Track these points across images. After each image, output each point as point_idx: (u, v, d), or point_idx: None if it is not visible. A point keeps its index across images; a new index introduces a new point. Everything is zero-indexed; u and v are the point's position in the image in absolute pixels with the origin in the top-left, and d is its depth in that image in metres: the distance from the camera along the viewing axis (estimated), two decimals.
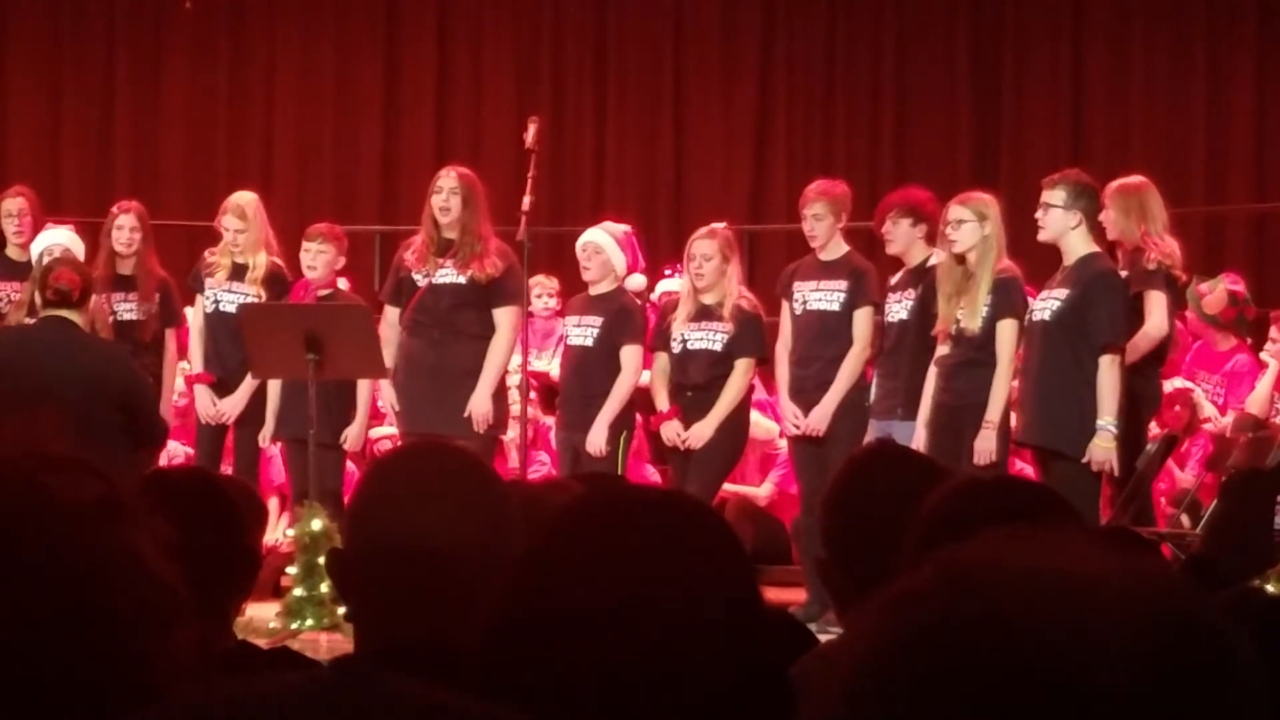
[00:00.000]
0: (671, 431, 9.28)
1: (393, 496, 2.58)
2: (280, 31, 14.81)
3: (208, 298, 9.80)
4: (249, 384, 9.64)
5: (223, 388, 9.73)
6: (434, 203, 9.30)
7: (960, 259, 8.56)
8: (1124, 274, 8.46)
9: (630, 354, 9.36)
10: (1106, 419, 8.05)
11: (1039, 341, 8.27)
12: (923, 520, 2.77)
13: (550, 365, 10.73)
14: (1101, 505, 8.77)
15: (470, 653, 1.87)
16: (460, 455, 2.69)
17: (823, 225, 9.24)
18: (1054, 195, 8.32)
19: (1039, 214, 8.36)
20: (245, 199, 9.91)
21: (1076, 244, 8.28)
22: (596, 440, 9.23)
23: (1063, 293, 8.21)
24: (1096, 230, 8.41)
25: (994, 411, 8.39)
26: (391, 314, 9.48)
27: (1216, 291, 10.38)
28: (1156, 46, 13.97)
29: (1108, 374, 8.09)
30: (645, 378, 9.99)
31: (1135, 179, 8.80)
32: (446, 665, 1.87)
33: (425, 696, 1.01)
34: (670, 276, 10.56)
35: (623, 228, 9.71)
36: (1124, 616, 1.10)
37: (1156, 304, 8.62)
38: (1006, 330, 8.47)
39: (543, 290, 11.20)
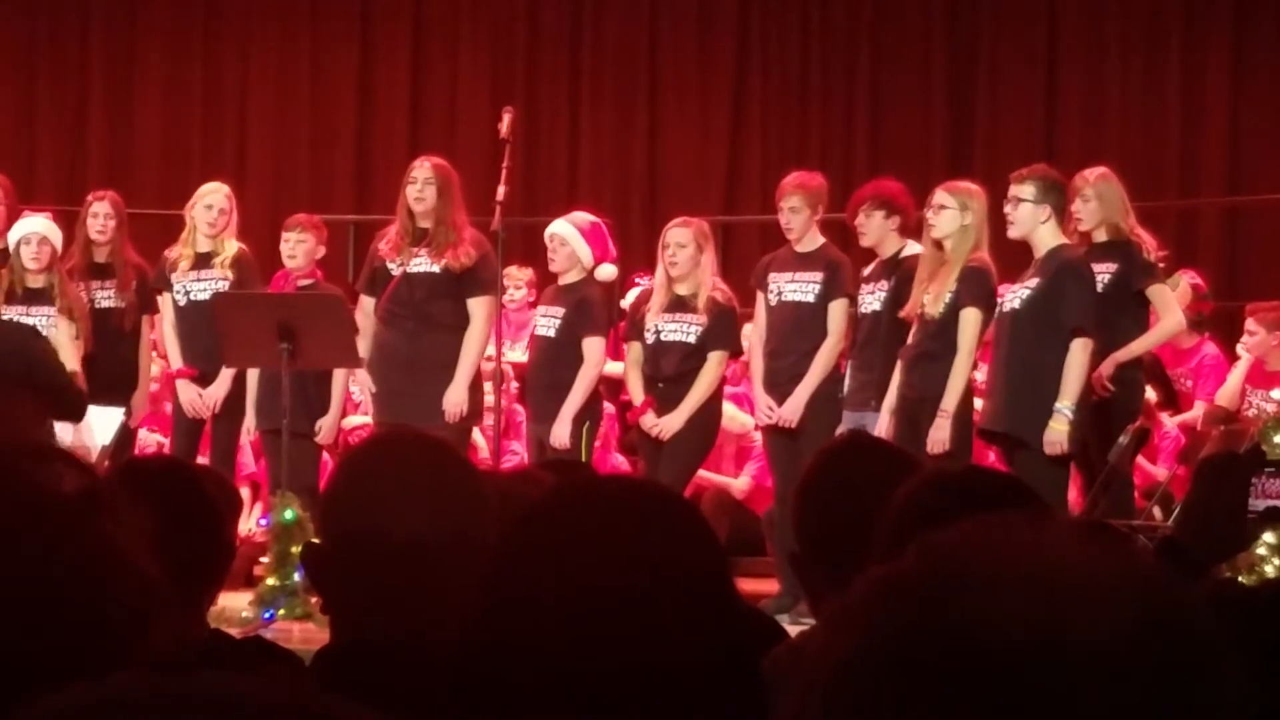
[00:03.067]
0: (648, 423, 9.28)
1: (366, 487, 2.57)
2: (255, 20, 14.77)
3: (177, 292, 9.74)
4: (230, 372, 9.60)
5: (203, 380, 9.69)
6: (408, 193, 9.29)
7: (939, 245, 8.56)
8: (1115, 267, 8.46)
9: (592, 346, 9.33)
10: (1065, 403, 8.04)
11: (1008, 329, 8.27)
12: (893, 511, 2.78)
13: (525, 356, 10.72)
14: (1077, 498, 8.80)
15: (446, 645, 1.87)
16: (435, 445, 2.68)
17: (799, 218, 9.24)
18: (1024, 190, 8.30)
19: (1008, 209, 8.33)
20: (226, 188, 9.91)
21: (1046, 237, 8.28)
22: (560, 434, 9.21)
23: (1033, 282, 8.21)
24: (1065, 225, 8.42)
25: (949, 400, 8.36)
26: (367, 304, 9.45)
27: (1180, 288, 10.39)
28: (1131, 40, 13.99)
29: (1076, 358, 8.09)
30: (616, 367, 10.00)
31: (1105, 169, 8.81)
32: (422, 657, 1.87)
33: (256, 692, 1.01)
34: (638, 284, 10.55)
35: (590, 218, 9.68)
36: (1112, 614, 1.09)
37: (1169, 299, 8.63)
38: (969, 319, 8.44)
39: (514, 281, 11.19)
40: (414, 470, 2.56)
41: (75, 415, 8.37)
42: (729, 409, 10.09)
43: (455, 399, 9.15)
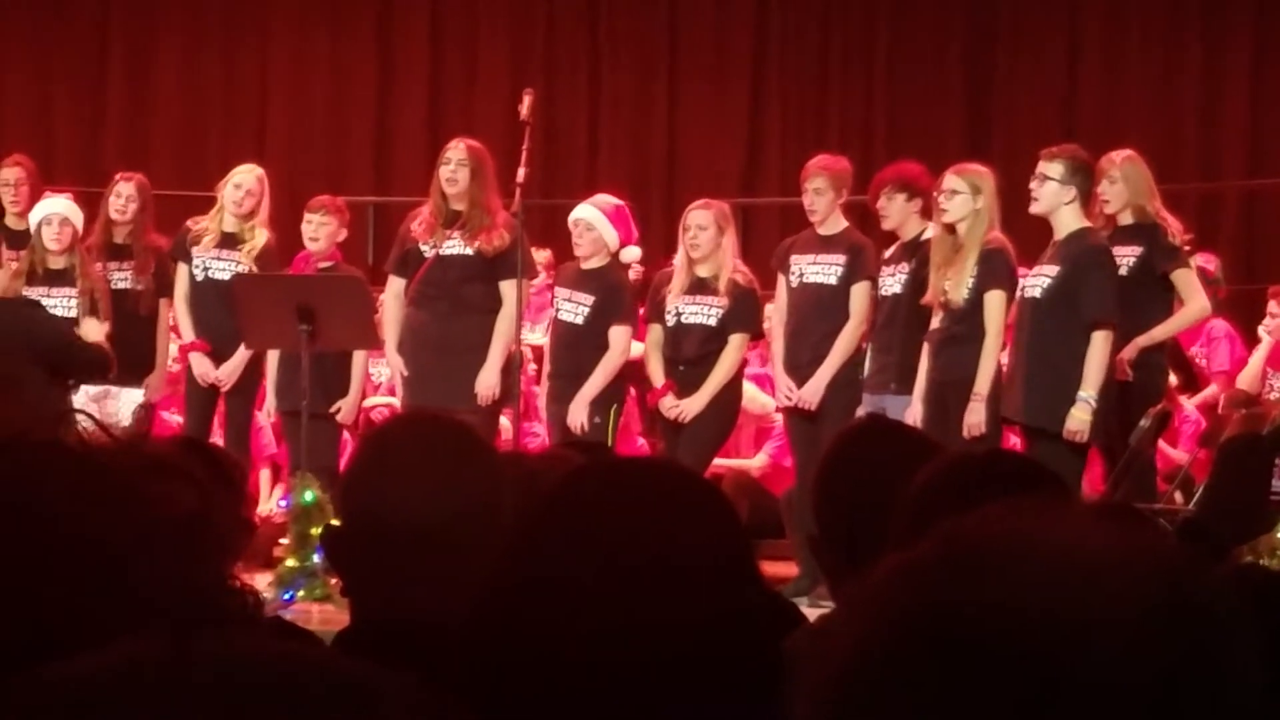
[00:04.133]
0: (668, 406, 9.26)
1: (384, 469, 2.57)
2: (274, 2, 14.77)
3: (196, 266, 9.73)
4: (244, 352, 9.60)
5: (216, 356, 9.69)
6: (441, 173, 9.28)
7: (951, 229, 8.54)
8: (1139, 250, 8.42)
9: (618, 334, 9.31)
10: (1089, 391, 8.04)
11: (1029, 318, 8.26)
12: (912, 496, 2.77)
13: (545, 338, 10.71)
14: (1098, 482, 8.78)
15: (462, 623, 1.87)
16: (453, 427, 2.67)
17: (823, 200, 9.21)
18: (1052, 168, 8.28)
19: (1034, 184, 8.30)
20: (260, 170, 9.91)
21: (1068, 219, 8.26)
22: (578, 416, 9.19)
23: (1053, 269, 8.19)
24: (1088, 208, 8.40)
25: (982, 384, 8.36)
26: (396, 284, 9.44)
27: None
28: (1151, 22, 13.95)
29: (1098, 349, 8.08)
30: (637, 349, 9.98)
31: (1131, 151, 8.77)
32: (442, 639, 1.87)
33: (276, 652, 0.99)
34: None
35: (614, 201, 9.65)
36: (1133, 596, 1.09)
37: (1195, 283, 8.59)
38: (994, 302, 8.44)
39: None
40: (433, 452, 2.56)
41: (98, 372, 8.49)
42: (750, 390, 10.07)
43: (488, 381, 9.15)
